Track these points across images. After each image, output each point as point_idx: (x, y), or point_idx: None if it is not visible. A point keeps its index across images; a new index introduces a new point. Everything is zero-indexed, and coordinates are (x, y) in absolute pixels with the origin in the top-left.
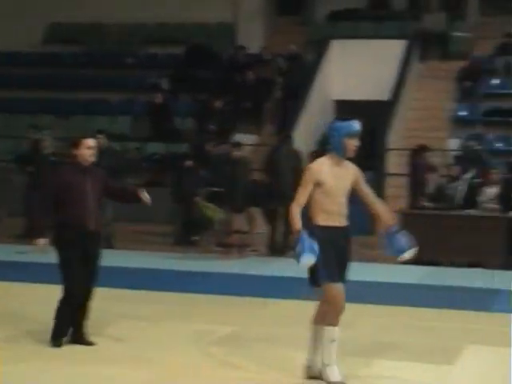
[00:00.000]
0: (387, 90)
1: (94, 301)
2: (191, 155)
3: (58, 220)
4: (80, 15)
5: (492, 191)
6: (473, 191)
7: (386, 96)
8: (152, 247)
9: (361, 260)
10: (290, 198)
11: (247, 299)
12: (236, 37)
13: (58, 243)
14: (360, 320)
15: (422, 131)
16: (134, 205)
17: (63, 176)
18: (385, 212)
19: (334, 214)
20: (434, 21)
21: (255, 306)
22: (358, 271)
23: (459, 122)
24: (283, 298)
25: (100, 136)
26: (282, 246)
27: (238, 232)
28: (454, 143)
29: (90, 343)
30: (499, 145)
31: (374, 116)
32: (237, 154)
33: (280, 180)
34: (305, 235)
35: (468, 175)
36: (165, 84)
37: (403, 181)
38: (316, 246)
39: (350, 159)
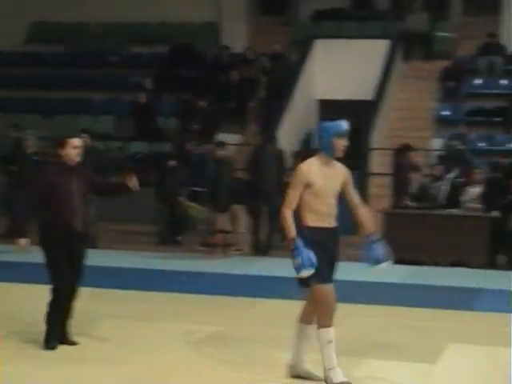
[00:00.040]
0: (371, 89)
1: (80, 301)
2: (174, 155)
3: (44, 220)
4: (63, 14)
5: (475, 191)
6: (456, 191)
7: (369, 96)
8: (136, 247)
9: (344, 259)
10: (273, 197)
11: (234, 299)
12: (220, 36)
13: (45, 243)
14: (344, 320)
15: (406, 131)
16: (117, 204)
17: (49, 176)
18: (367, 219)
19: (323, 214)
20: (417, 21)
21: (243, 306)
22: (341, 271)
23: (442, 122)
24: (270, 297)
25: (84, 135)
26: (265, 246)
27: (221, 231)
28: (437, 143)
29: (73, 343)
30: (482, 144)
31: (358, 116)
32: (221, 153)
33: (264, 179)
34: (301, 246)
35: (451, 175)
36: (148, 83)
37: (386, 180)
38: (313, 256)
39: (338, 159)
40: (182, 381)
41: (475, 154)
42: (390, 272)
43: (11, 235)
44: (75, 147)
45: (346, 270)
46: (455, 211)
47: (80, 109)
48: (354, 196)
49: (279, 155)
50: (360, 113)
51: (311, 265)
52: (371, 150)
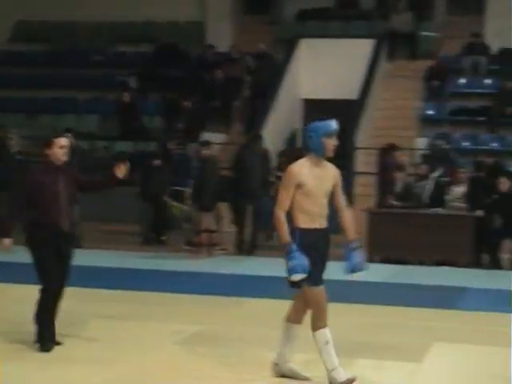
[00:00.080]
0: (355, 89)
1: (67, 301)
2: (159, 154)
3: (30, 220)
4: (47, 13)
5: (459, 190)
6: (440, 190)
7: (354, 95)
8: (121, 246)
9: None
10: (258, 196)
11: (221, 298)
12: (205, 35)
13: (32, 243)
14: (329, 319)
15: (390, 130)
16: (101, 204)
17: (36, 175)
18: (349, 225)
19: (314, 215)
20: (401, 20)
21: (229, 305)
22: (327, 270)
23: (427, 121)
24: (257, 296)
25: (68, 135)
26: (249, 246)
27: (206, 231)
28: (421, 142)
29: (57, 343)
30: (466, 144)
31: (343, 115)
32: (206, 152)
33: (249, 178)
34: (295, 250)
35: (436, 174)
36: (133, 82)
37: (371, 179)
38: (306, 261)
39: (328, 159)
40: (170, 380)
41: (459, 153)
42: (374, 271)
43: None
44: (62, 147)
45: (331, 270)
46: (440, 210)
47: (64, 108)
48: (341, 198)
49: (264, 154)
50: (345, 112)
51: (304, 270)
52: (356, 149)
